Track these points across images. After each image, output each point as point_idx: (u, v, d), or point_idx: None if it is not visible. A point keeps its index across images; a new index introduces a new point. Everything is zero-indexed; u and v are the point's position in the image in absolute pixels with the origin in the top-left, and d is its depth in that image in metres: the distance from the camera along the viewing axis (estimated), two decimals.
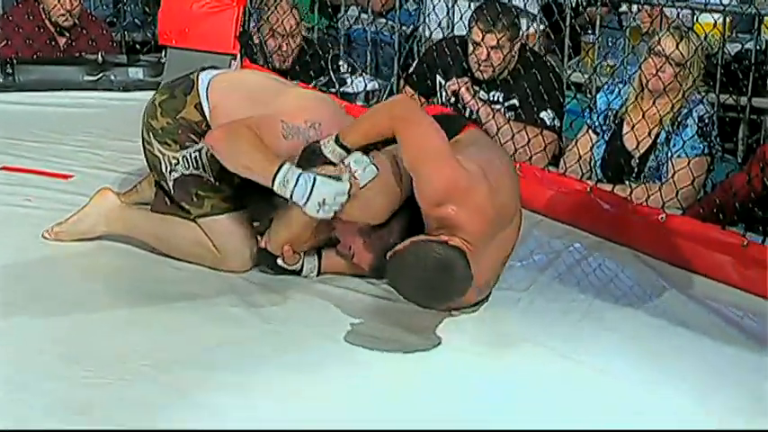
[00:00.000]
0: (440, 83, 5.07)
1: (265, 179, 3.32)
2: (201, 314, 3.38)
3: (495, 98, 4.94)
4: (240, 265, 3.62)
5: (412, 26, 6.10)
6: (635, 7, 5.54)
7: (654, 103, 4.38)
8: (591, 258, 4.03)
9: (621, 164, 4.54)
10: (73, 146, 4.86)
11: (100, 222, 3.77)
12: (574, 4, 5.39)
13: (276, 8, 5.51)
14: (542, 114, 4.82)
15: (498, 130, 4.71)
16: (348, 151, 3.38)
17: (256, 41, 5.63)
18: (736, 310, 3.63)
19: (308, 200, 3.28)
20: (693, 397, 3.03)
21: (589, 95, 5.10)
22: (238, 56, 5.46)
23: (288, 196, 3.30)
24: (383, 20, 6.34)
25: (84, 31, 6.10)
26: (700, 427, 2.90)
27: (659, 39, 4.48)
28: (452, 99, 4.97)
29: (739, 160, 4.98)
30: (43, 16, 6.02)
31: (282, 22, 5.45)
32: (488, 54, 4.86)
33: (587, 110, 4.77)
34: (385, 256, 3.30)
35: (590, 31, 5.81)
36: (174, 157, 3.59)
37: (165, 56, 5.72)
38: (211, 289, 3.54)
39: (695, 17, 4.99)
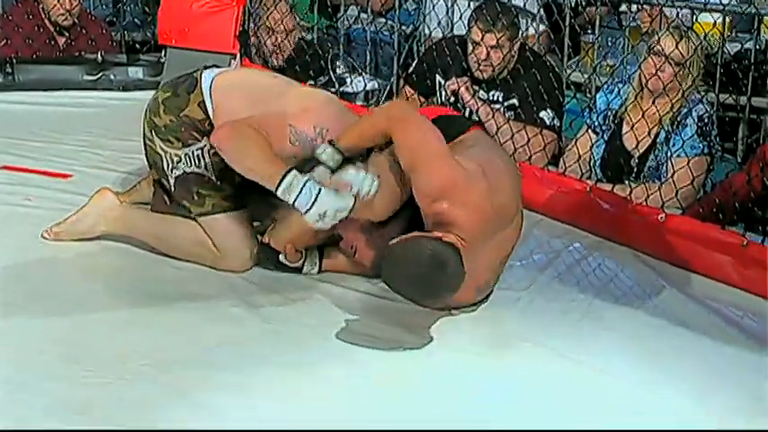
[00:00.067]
0: (439, 82, 5.07)
1: (270, 183, 3.32)
2: (201, 314, 3.38)
3: (495, 98, 4.94)
4: (239, 265, 3.63)
5: (411, 26, 6.09)
6: (634, 7, 5.53)
7: (653, 102, 4.38)
8: (590, 258, 4.03)
9: (621, 163, 4.54)
10: (72, 145, 4.87)
11: (99, 222, 3.77)
12: (573, 4, 5.37)
13: (273, 5, 5.50)
14: (542, 114, 4.82)
15: (498, 129, 4.71)
16: (344, 155, 3.39)
17: (254, 41, 5.62)
18: (736, 309, 3.63)
19: (309, 209, 3.29)
20: (693, 397, 3.03)
21: (589, 95, 5.10)
22: (238, 55, 5.46)
23: (291, 203, 3.30)
24: (383, 19, 6.33)
25: (84, 31, 6.10)
26: (700, 427, 2.90)
27: (659, 38, 4.47)
28: (452, 99, 4.97)
29: (739, 160, 4.97)
30: (43, 16, 6.02)
31: (273, 15, 5.44)
32: (488, 54, 4.86)
33: (587, 109, 4.77)
34: None
35: (590, 31, 5.80)
36: (176, 155, 3.59)
37: (165, 55, 5.73)
38: (211, 289, 3.54)
39: (695, 17, 4.99)
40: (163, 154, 3.62)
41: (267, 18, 5.52)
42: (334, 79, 5.49)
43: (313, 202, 3.28)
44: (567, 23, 5.24)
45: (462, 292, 3.34)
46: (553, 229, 4.26)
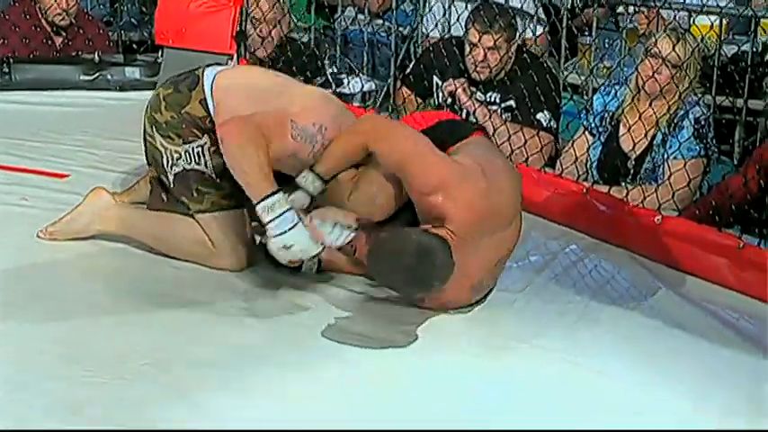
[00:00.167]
0: (436, 84, 5.07)
1: (255, 195, 3.35)
2: (200, 314, 3.38)
3: (492, 99, 4.94)
4: (235, 263, 3.63)
5: (409, 27, 6.09)
6: (632, 9, 5.54)
7: (650, 104, 4.39)
8: (587, 260, 4.03)
9: (618, 165, 4.54)
10: (69, 145, 4.86)
11: (94, 221, 3.76)
12: (569, 6, 5.38)
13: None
14: (539, 116, 4.83)
15: (495, 131, 4.71)
16: (325, 180, 3.43)
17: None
18: (732, 312, 3.64)
19: (277, 235, 3.31)
20: (690, 399, 3.04)
21: (586, 97, 5.11)
22: (235, 56, 5.45)
23: (264, 221, 3.32)
24: (380, 21, 6.34)
25: (81, 31, 6.09)
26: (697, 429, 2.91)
27: (656, 40, 4.48)
28: (449, 100, 4.98)
29: (735, 162, 4.97)
30: (40, 15, 6.01)
31: (260, 5, 5.43)
32: (485, 55, 4.86)
33: (584, 111, 4.77)
34: None
35: (587, 33, 5.81)
36: (176, 152, 3.59)
37: (162, 56, 5.72)
38: (209, 289, 3.54)
39: (692, 19, 4.99)
40: (163, 150, 3.62)
41: (254, 9, 5.50)
42: (330, 80, 5.48)
43: (284, 232, 3.31)
44: (564, 25, 5.24)
45: (457, 292, 3.35)
46: (550, 231, 4.26)
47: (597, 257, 4.05)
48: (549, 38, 5.72)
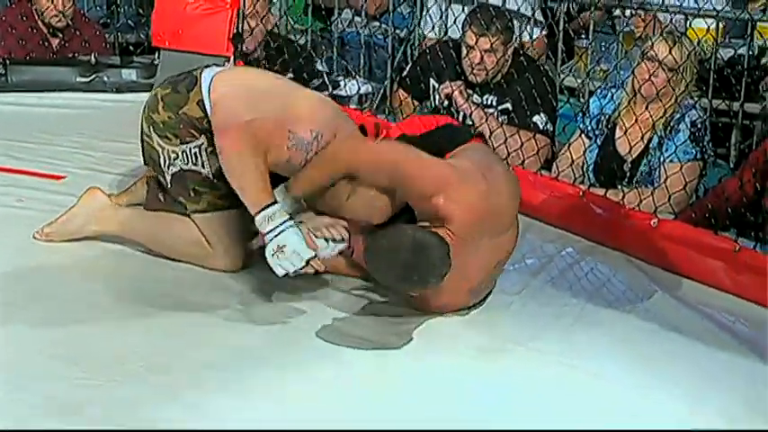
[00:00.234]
0: (433, 86, 5.08)
1: (253, 204, 3.35)
2: (199, 316, 3.38)
3: (489, 102, 4.94)
4: (231, 264, 3.63)
5: (405, 29, 6.10)
6: (628, 12, 5.54)
7: (646, 107, 4.40)
8: (583, 262, 4.04)
9: (614, 168, 4.54)
10: (65, 147, 4.86)
11: (90, 222, 3.76)
12: (565, 9, 5.38)
13: None
14: (535, 118, 4.83)
15: (491, 133, 4.71)
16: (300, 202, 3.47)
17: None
18: (728, 315, 3.64)
19: (272, 239, 3.32)
20: (686, 402, 3.04)
21: (582, 100, 5.11)
22: (232, 58, 5.45)
23: (264, 231, 3.33)
24: (377, 23, 6.34)
25: (78, 33, 6.09)
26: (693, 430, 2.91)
27: (652, 44, 4.48)
28: (445, 102, 4.98)
29: (731, 165, 4.98)
30: (36, 17, 6.01)
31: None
32: (482, 57, 4.86)
33: (580, 114, 4.77)
34: None
35: (583, 36, 5.81)
36: (173, 152, 3.59)
37: (159, 57, 5.72)
38: (208, 291, 3.54)
39: (688, 22, 5.00)
40: (160, 150, 3.62)
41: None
42: (327, 82, 5.48)
43: (278, 233, 3.31)
44: (560, 28, 5.24)
45: (456, 295, 3.36)
46: (546, 234, 4.26)
47: (593, 260, 4.05)
48: (547, 41, 5.73)
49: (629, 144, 4.45)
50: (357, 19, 6.03)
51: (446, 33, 5.41)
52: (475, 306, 3.49)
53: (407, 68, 5.37)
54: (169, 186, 3.64)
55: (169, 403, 2.86)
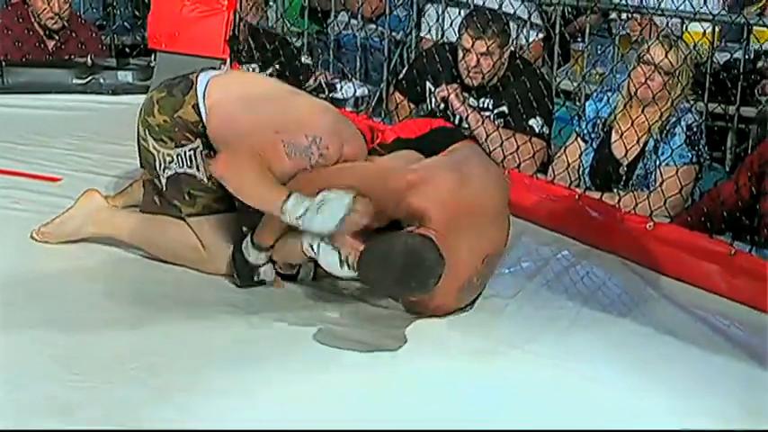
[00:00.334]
0: (429, 89, 5.08)
1: (272, 207, 3.32)
2: (198, 318, 3.39)
3: (485, 105, 4.94)
4: (225, 267, 3.62)
5: (402, 32, 6.10)
6: (624, 15, 5.55)
7: (642, 111, 4.39)
8: (579, 266, 4.04)
9: (610, 172, 4.55)
10: (61, 149, 4.86)
11: (86, 223, 3.77)
12: (562, 12, 5.39)
13: None
14: (531, 122, 4.83)
15: (487, 136, 4.71)
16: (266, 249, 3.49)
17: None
18: (724, 318, 3.64)
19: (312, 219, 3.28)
20: (681, 405, 3.04)
21: (578, 103, 5.11)
22: (228, 60, 5.46)
23: (296, 215, 3.28)
24: (373, 25, 6.34)
25: (74, 34, 6.10)
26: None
27: (648, 47, 4.49)
28: (441, 105, 4.98)
29: (727, 169, 4.98)
30: (32, 19, 6.02)
31: None
32: (478, 61, 4.86)
33: (576, 117, 4.78)
34: None
35: (579, 39, 5.82)
36: (168, 155, 3.59)
37: (155, 60, 5.73)
38: (208, 293, 3.55)
39: (684, 26, 5.00)
40: (156, 153, 3.62)
41: None
42: (323, 85, 5.49)
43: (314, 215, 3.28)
44: (557, 31, 5.25)
45: (447, 295, 3.34)
46: (541, 237, 4.27)
47: (589, 264, 4.05)
48: (543, 44, 5.73)
49: (625, 147, 4.45)
50: (353, 21, 6.03)
51: (442, 36, 5.42)
52: (470, 309, 3.49)
53: (404, 71, 5.37)
54: (164, 189, 3.64)
55: (169, 404, 2.87)
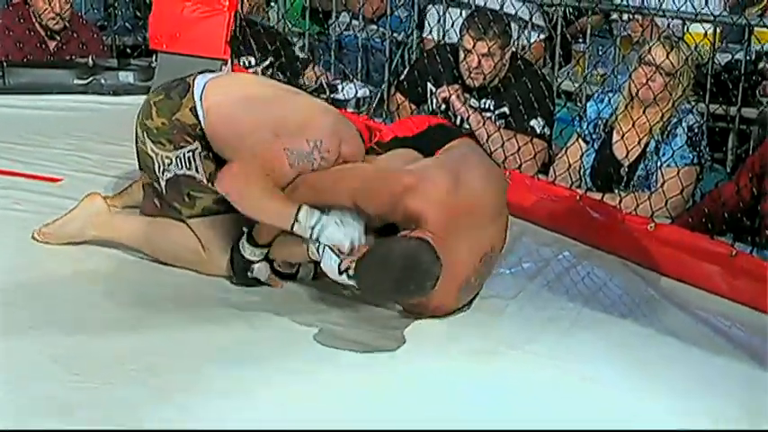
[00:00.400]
0: (430, 90, 5.08)
1: (285, 222, 3.34)
2: (198, 318, 3.38)
3: (486, 106, 4.94)
4: (227, 269, 3.62)
5: (403, 33, 6.10)
6: (626, 16, 5.55)
7: (644, 112, 4.39)
8: (580, 267, 4.03)
9: (611, 172, 4.54)
10: (62, 149, 4.86)
11: (87, 226, 3.76)
12: (562, 13, 5.38)
13: None
14: (532, 122, 4.83)
15: (488, 137, 4.72)
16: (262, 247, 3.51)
17: None
18: (725, 319, 3.64)
19: (322, 223, 3.32)
20: (682, 406, 3.04)
21: (579, 104, 5.11)
22: (229, 61, 5.45)
23: (310, 225, 3.30)
24: (374, 26, 6.34)
25: (75, 35, 6.10)
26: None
27: (650, 48, 4.49)
28: (443, 106, 4.98)
29: (728, 170, 4.98)
30: (34, 19, 6.02)
31: None
32: (479, 62, 4.86)
33: (577, 118, 4.78)
34: None
35: (581, 40, 5.82)
36: (167, 157, 3.59)
37: (156, 60, 5.72)
38: (208, 293, 3.55)
39: (686, 27, 5.00)
40: (154, 156, 3.62)
41: None
42: (324, 85, 5.49)
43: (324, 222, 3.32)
44: (558, 32, 5.25)
45: (446, 295, 3.34)
46: (542, 238, 4.26)
47: (590, 264, 4.05)
48: (544, 45, 5.73)
49: (626, 148, 4.45)
50: (354, 22, 6.03)
51: (444, 36, 5.42)
52: (468, 309, 3.49)
53: (405, 72, 5.37)
54: (164, 192, 3.64)
55: (169, 404, 2.87)
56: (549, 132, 4.88)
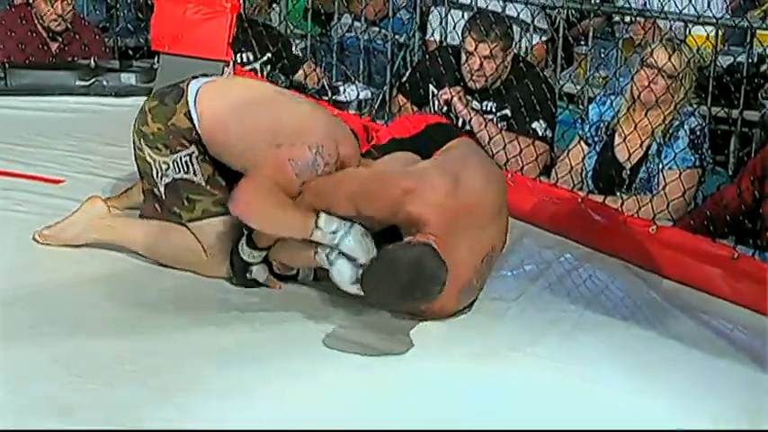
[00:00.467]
0: (432, 92, 5.08)
1: (305, 233, 3.32)
2: (199, 319, 3.38)
3: (488, 108, 4.94)
4: (227, 271, 3.62)
5: (405, 35, 6.11)
6: (628, 19, 5.55)
7: (646, 114, 4.39)
8: (581, 269, 4.03)
9: (613, 175, 4.54)
10: (64, 151, 4.86)
11: (88, 230, 3.77)
12: (565, 15, 5.39)
13: None
14: (534, 125, 4.83)
15: (490, 139, 4.71)
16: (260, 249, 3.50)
17: None
18: (726, 322, 3.63)
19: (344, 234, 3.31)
20: (684, 409, 3.03)
21: (581, 106, 5.11)
22: (231, 62, 5.45)
23: (330, 231, 3.30)
24: (376, 28, 6.34)
25: (77, 36, 6.10)
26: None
27: (652, 51, 4.48)
28: (444, 108, 4.98)
29: (730, 173, 4.99)
30: (35, 21, 6.02)
31: None
32: (481, 64, 4.86)
33: (579, 121, 4.78)
34: None
35: (583, 43, 5.82)
36: (164, 162, 3.59)
37: (158, 62, 5.72)
38: (208, 294, 3.55)
39: (688, 30, 5.00)
40: (152, 162, 3.62)
41: None
42: (326, 87, 5.49)
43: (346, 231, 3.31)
44: (560, 35, 5.25)
45: (448, 297, 3.33)
46: (544, 240, 4.26)
47: (592, 267, 4.04)
48: (546, 47, 5.73)
49: (628, 151, 4.45)
50: (356, 24, 6.04)
51: (445, 39, 5.42)
52: (469, 311, 3.48)
53: (407, 74, 5.38)
54: (164, 197, 3.64)
55: (169, 404, 2.87)
56: (550, 135, 4.88)
